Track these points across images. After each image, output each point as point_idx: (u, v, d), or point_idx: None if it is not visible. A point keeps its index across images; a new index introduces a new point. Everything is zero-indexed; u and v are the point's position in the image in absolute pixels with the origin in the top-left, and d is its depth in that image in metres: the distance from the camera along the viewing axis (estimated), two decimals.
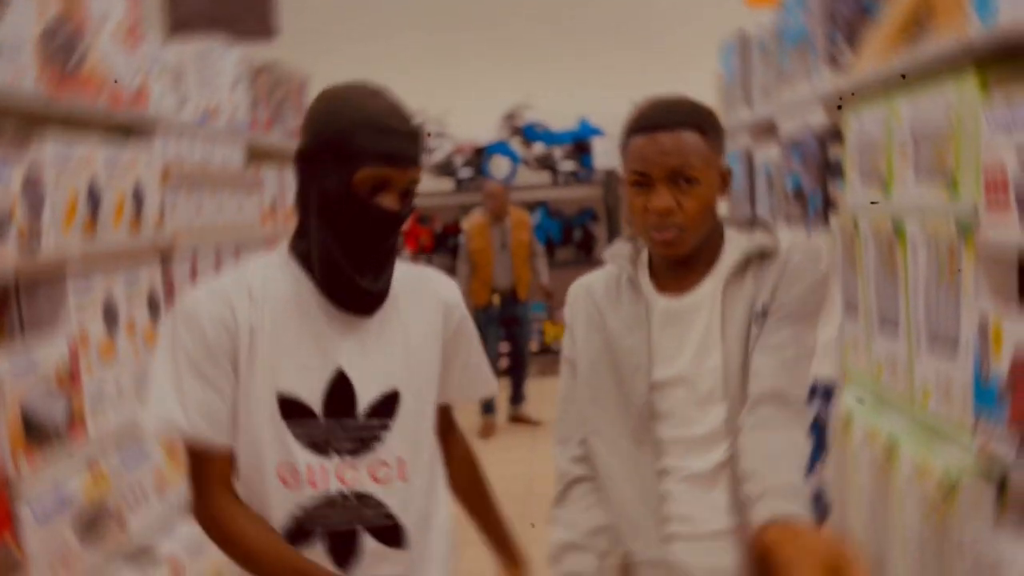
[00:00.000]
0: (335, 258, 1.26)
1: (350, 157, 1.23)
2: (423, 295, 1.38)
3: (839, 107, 2.64)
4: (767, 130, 3.59)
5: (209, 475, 1.29)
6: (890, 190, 2.20)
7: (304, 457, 1.26)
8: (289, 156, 4.44)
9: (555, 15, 7.36)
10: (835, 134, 2.68)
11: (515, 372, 5.93)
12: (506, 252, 5.70)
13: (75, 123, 2.44)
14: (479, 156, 7.00)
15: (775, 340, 1.34)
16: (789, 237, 1.43)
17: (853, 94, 2.53)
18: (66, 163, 2.15)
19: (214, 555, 2.68)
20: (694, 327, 1.41)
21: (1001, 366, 1.66)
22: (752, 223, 1.47)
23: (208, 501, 1.29)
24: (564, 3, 7.35)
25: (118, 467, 2.29)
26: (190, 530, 2.60)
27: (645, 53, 7.15)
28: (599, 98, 7.03)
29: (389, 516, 1.30)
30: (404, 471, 1.31)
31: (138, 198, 2.49)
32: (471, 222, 5.77)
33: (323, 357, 1.28)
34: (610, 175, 6.92)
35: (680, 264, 1.43)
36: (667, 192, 1.33)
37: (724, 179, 1.41)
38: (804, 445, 1.34)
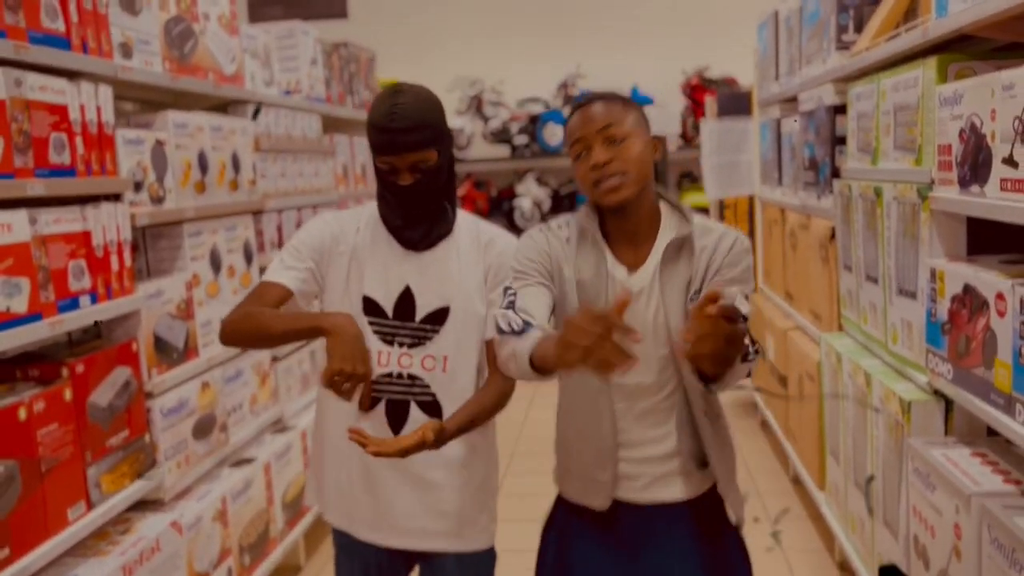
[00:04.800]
0: (386, 216, 1.71)
1: (372, 150, 1.66)
2: (475, 240, 1.76)
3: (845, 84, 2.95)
4: (792, 103, 3.90)
5: (254, 294, 1.68)
6: (877, 160, 2.54)
7: (376, 344, 1.69)
8: (359, 125, 4.88)
9: None
10: (842, 109, 3.00)
11: None
12: None
13: (187, 101, 2.91)
14: (534, 124, 7.35)
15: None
16: (708, 222, 1.59)
17: (856, 75, 2.85)
18: (183, 133, 2.61)
19: (297, 465, 3.18)
20: (645, 313, 1.53)
21: (943, 307, 2.01)
22: (675, 206, 1.61)
23: (237, 308, 1.66)
24: None
25: (222, 386, 2.78)
26: (278, 440, 3.11)
27: (691, 26, 7.40)
28: (649, 68, 7.32)
29: (431, 395, 1.70)
30: (447, 366, 1.69)
31: (236, 163, 2.96)
32: None
33: (397, 276, 1.70)
34: (658, 140, 7.20)
35: (628, 226, 1.55)
36: (602, 149, 1.50)
37: (655, 147, 1.57)
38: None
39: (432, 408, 1.70)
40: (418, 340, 1.70)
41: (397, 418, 1.70)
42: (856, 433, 2.62)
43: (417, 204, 1.66)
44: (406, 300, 1.69)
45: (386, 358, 1.69)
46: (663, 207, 1.61)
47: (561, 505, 1.70)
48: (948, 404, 2.15)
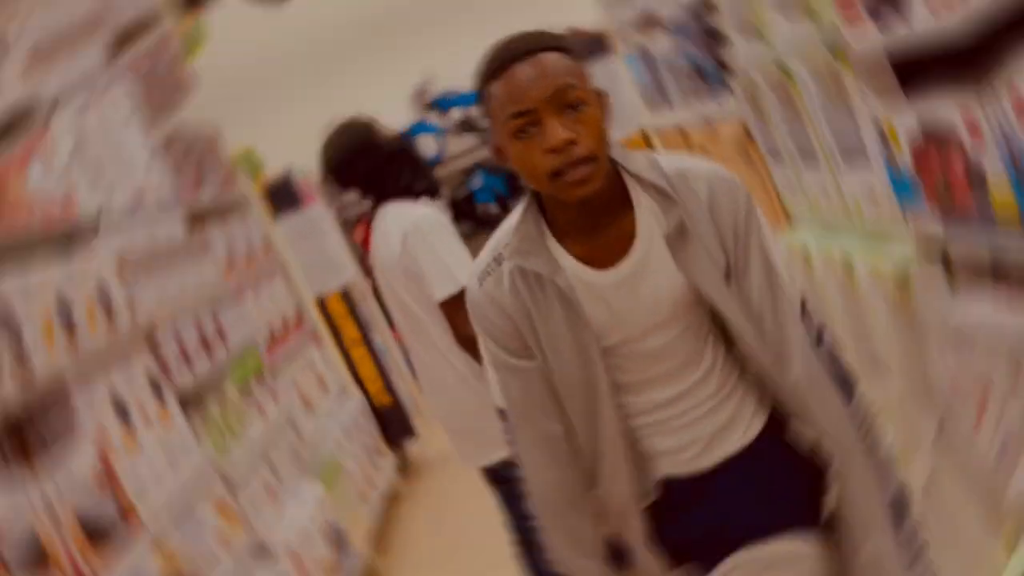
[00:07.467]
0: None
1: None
2: None
3: None
4: (652, 22, 3.71)
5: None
6: (768, 38, 2.34)
7: None
8: (225, 209, 4.49)
9: None
10: (708, 4, 2.81)
11: None
12: None
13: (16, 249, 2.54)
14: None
15: (755, 294, 1.25)
16: (679, 163, 1.28)
17: None
18: (27, 294, 2.25)
19: None
20: (639, 297, 1.24)
21: (905, 158, 1.81)
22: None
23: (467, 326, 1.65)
24: None
25: (177, 537, 2.43)
26: (264, 572, 2.77)
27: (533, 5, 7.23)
28: None
29: None
30: None
31: (104, 300, 2.60)
32: None
33: None
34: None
35: (591, 217, 1.22)
36: (558, 123, 1.14)
37: (603, 103, 1.20)
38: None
39: None
40: None
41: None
42: (846, 321, 2.42)
43: None
44: None
45: None
46: (625, 176, 1.23)
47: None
48: (945, 257, 1.96)
